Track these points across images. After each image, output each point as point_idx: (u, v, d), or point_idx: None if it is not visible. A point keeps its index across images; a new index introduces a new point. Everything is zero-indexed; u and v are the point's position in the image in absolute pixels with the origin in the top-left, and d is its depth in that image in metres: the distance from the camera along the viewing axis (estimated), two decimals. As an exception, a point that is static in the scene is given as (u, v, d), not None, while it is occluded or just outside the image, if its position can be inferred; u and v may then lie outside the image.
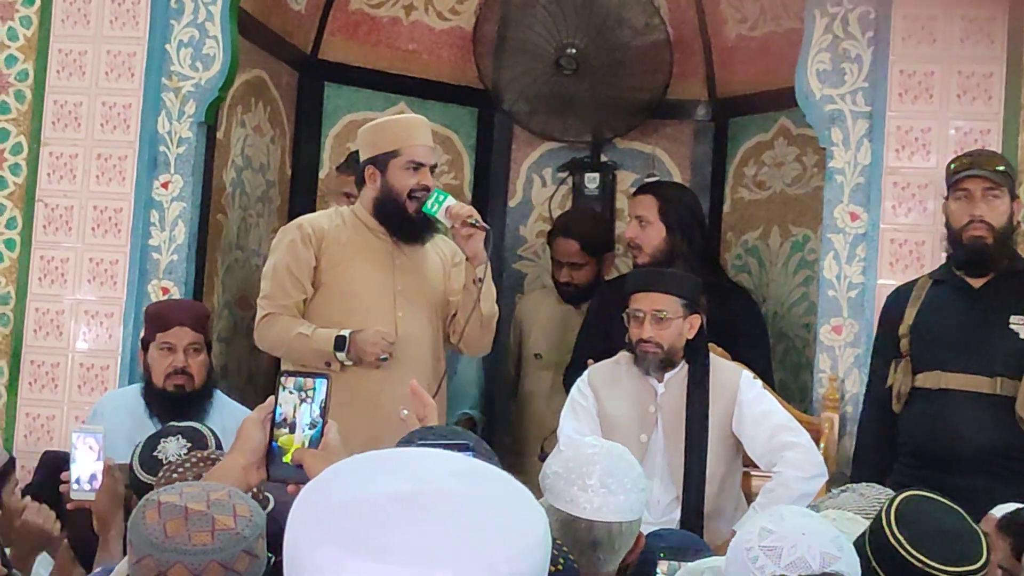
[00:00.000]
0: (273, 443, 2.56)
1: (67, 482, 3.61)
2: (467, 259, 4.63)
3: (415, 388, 3.41)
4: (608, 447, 3.19)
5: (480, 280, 4.59)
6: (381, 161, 4.69)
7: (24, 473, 4.86)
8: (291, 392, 2.57)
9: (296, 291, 4.69)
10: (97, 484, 3.49)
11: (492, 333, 4.83)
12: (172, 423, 3.72)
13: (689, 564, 2.99)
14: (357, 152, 5.78)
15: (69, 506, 3.55)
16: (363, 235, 4.75)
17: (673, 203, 5.61)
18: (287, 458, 2.55)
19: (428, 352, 4.74)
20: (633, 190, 6.45)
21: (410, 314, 4.71)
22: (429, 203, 4.59)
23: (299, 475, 2.54)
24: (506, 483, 1.45)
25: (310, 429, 2.56)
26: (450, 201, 4.60)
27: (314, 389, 2.58)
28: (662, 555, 3.19)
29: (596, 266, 6.25)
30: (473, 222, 4.54)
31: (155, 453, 3.40)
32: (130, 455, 3.64)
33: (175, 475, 3.05)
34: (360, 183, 4.79)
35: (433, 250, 4.84)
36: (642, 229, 5.53)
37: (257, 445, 2.55)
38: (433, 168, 4.73)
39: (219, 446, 3.44)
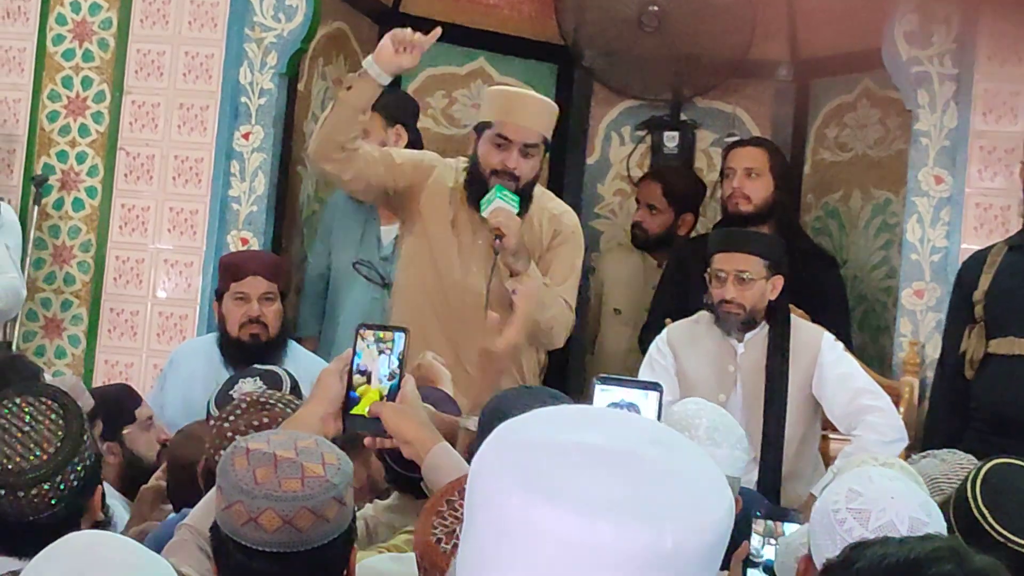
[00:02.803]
0: (351, 394, 2.56)
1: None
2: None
3: None
4: (712, 407, 3.18)
5: (513, 292, 4.41)
6: (479, 128, 4.56)
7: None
8: (370, 344, 2.58)
9: (378, 153, 4.62)
10: None
11: (553, 338, 4.60)
12: (255, 365, 3.72)
13: (784, 537, 2.94)
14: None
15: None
16: (457, 197, 4.62)
17: (781, 159, 5.64)
18: (363, 410, 2.56)
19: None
20: (716, 149, 6.42)
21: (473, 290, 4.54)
22: (486, 197, 4.41)
23: (376, 427, 2.55)
24: (701, 461, 1.42)
25: (388, 381, 2.57)
26: (497, 203, 4.37)
27: (393, 342, 2.59)
28: (757, 514, 3.16)
29: (673, 218, 6.23)
30: (496, 237, 4.34)
31: (231, 392, 3.41)
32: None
33: (227, 424, 3.02)
34: None
35: (529, 231, 4.57)
36: (751, 180, 5.49)
37: (335, 396, 2.57)
38: (528, 149, 4.47)
39: (295, 389, 3.43)
